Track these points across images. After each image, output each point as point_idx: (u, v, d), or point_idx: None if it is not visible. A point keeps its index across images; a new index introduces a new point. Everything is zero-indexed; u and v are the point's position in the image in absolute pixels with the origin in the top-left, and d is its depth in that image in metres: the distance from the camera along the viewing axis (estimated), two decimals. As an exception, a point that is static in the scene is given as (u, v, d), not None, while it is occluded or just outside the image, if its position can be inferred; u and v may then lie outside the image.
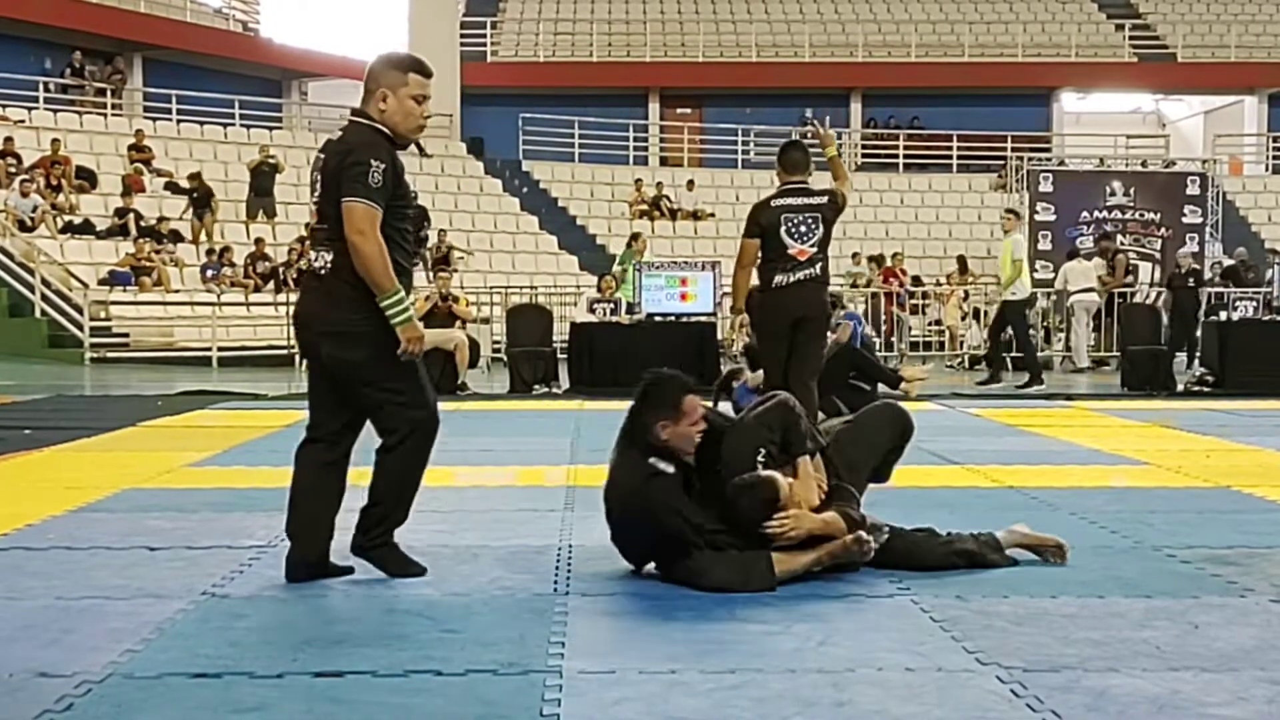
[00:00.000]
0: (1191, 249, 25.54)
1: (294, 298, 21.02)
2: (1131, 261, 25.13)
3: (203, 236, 26.97)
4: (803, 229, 9.56)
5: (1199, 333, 22.44)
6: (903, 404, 6.32)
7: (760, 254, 9.68)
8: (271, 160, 29.97)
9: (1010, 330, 19.34)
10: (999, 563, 5.94)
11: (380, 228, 5.46)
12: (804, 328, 9.51)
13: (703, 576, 5.44)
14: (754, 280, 9.93)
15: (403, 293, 5.52)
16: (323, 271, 5.59)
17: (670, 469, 5.59)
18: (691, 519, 5.51)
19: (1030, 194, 27.66)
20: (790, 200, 9.70)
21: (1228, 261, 27.03)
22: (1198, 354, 21.37)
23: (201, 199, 27.39)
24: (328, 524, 5.73)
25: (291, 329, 5.84)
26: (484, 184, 34.28)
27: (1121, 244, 26.45)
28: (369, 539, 5.75)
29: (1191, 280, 23.33)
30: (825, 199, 9.72)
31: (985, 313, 25.40)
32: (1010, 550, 6.06)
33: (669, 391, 5.66)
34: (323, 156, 5.66)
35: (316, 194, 5.62)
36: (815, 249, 9.51)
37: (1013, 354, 20.08)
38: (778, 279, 9.55)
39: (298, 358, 22.46)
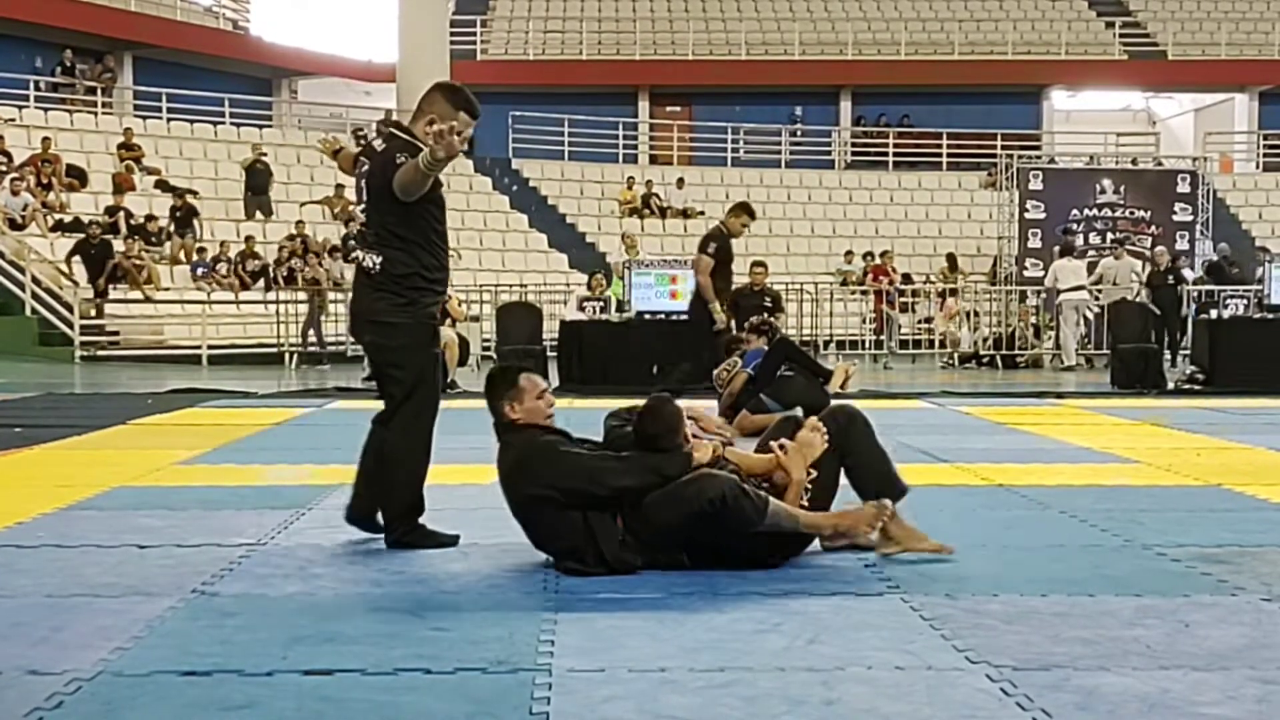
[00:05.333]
0: (1170, 247, 25.55)
1: (284, 296, 20.95)
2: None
3: (181, 256, 26.71)
4: None
5: (1182, 330, 22.58)
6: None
7: None
8: (264, 158, 29.95)
9: None
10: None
11: (428, 234, 6.33)
12: None
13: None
14: None
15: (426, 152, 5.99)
16: (372, 271, 6.33)
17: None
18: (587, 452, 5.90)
19: (1020, 192, 27.67)
20: None
21: (1212, 258, 27.06)
22: (1184, 352, 21.44)
23: (185, 218, 27.17)
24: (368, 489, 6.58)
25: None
26: (473, 182, 34.26)
27: (1111, 241, 26.57)
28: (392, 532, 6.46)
29: (1171, 278, 23.37)
30: None
31: (975, 312, 25.48)
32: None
33: (504, 375, 6.07)
34: (366, 165, 6.42)
35: (364, 200, 6.41)
36: None
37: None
38: None
39: (287, 356, 22.55)
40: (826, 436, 6.10)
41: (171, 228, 27.02)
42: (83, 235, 24.73)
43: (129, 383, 18.34)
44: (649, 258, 23.03)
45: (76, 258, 24.36)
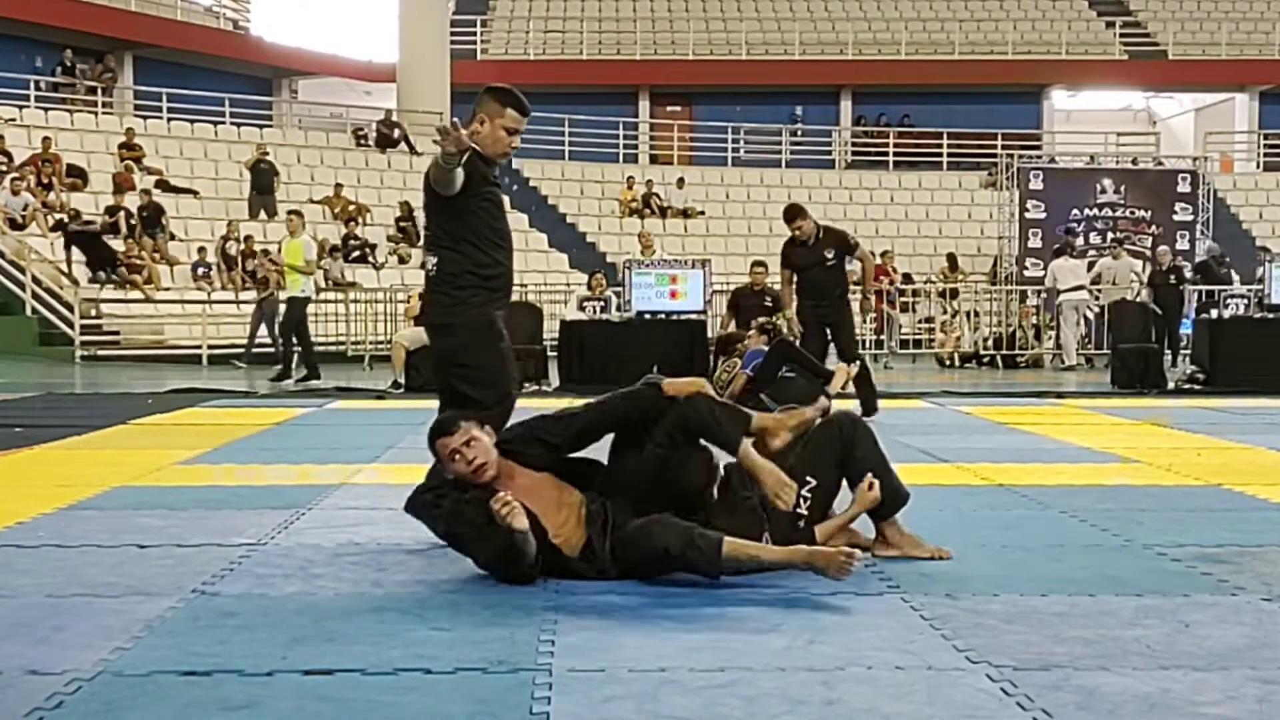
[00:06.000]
0: (1170, 247, 25.56)
1: (283, 295, 20.57)
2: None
3: (154, 255, 26.33)
4: None
5: (1182, 330, 22.60)
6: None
7: None
8: (268, 157, 29.94)
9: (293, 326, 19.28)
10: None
11: (479, 228, 6.37)
12: None
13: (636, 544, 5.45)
14: None
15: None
16: (431, 274, 6.45)
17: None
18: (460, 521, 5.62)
19: (1020, 191, 27.69)
20: None
21: (1199, 257, 27.05)
22: (1185, 352, 21.44)
23: (151, 218, 26.91)
24: None
25: None
26: (474, 182, 34.22)
27: (1111, 241, 26.60)
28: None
29: (1173, 278, 23.39)
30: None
31: (975, 312, 25.47)
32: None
33: (428, 440, 5.79)
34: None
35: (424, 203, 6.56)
36: None
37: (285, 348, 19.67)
38: None
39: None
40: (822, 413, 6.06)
41: (140, 227, 26.74)
42: (76, 229, 24.61)
43: (129, 383, 18.34)
44: (667, 257, 23.01)
45: (75, 250, 24.30)
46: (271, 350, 20.72)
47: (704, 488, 5.76)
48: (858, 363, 12.63)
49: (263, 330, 21.70)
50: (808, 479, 5.86)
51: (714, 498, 5.80)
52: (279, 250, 21.38)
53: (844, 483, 6.07)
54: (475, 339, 6.34)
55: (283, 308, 19.53)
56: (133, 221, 26.38)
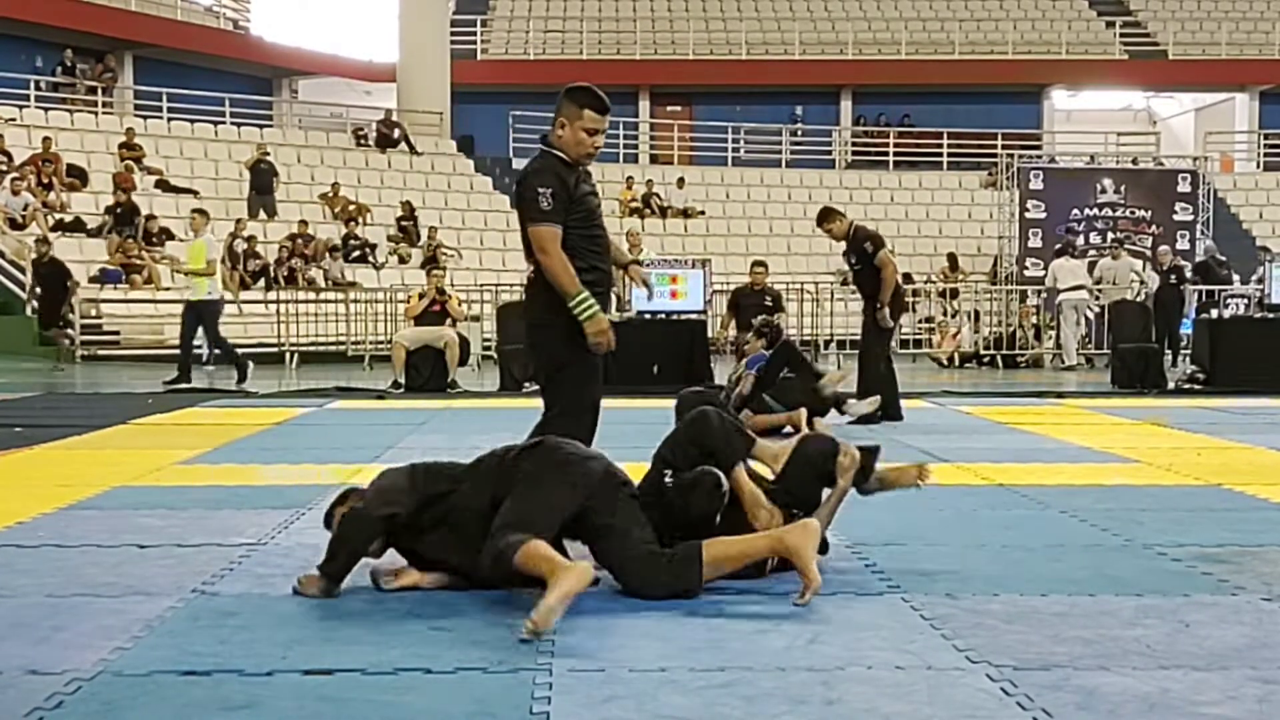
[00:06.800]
0: (1170, 247, 25.56)
1: (284, 295, 20.48)
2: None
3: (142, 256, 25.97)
4: None
5: (1182, 330, 22.62)
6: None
7: None
8: (268, 157, 29.94)
9: (204, 329, 18.72)
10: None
11: (570, 239, 6.51)
12: None
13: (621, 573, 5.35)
14: None
15: (586, 294, 6.42)
16: (530, 276, 6.64)
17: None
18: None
19: (1020, 191, 27.70)
20: None
21: (1198, 258, 27.08)
22: (1185, 352, 21.45)
23: (124, 215, 26.73)
24: None
25: None
26: (474, 182, 34.29)
27: (1111, 241, 26.60)
28: None
29: (1173, 277, 23.40)
30: None
31: (975, 312, 25.46)
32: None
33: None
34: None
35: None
36: None
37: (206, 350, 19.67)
38: None
39: (288, 355, 22.52)
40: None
41: (111, 229, 26.52)
42: (35, 257, 23.81)
43: (129, 382, 18.33)
44: (655, 257, 22.97)
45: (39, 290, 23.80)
46: (244, 346, 20.60)
47: (710, 515, 5.53)
48: (860, 372, 12.54)
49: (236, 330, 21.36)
50: (793, 511, 5.78)
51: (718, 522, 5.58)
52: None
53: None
54: (562, 342, 6.46)
55: (207, 310, 18.41)
56: (108, 220, 26.33)
